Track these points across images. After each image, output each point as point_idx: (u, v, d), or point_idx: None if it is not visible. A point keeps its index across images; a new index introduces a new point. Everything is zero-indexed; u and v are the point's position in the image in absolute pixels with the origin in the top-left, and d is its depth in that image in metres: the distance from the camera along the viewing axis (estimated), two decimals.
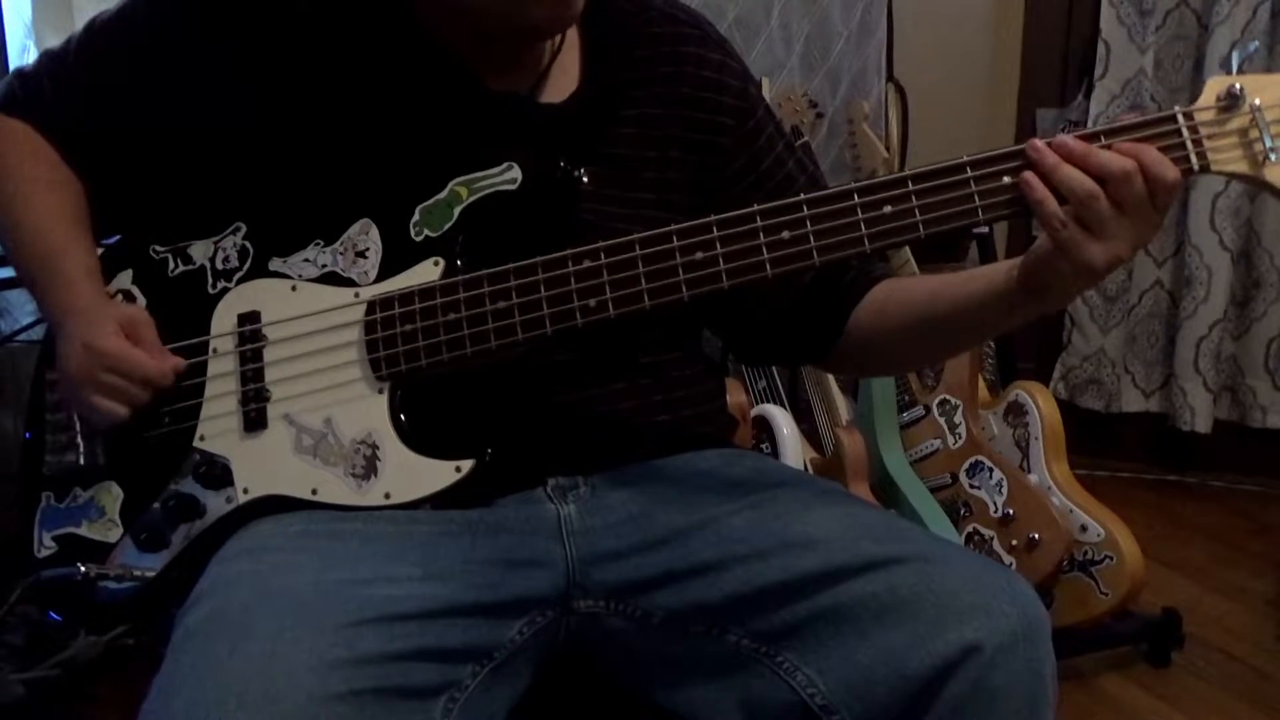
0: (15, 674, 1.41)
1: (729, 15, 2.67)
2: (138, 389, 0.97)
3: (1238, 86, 0.86)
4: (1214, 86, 0.87)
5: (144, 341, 0.99)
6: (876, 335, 1.06)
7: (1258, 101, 0.86)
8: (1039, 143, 0.86)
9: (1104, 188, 0.84)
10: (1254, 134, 0.86)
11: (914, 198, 0.88)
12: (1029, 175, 0.86)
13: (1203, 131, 0.87)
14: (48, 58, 1.10)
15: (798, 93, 2.38)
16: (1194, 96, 2.84)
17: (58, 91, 1.08)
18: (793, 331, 1.11)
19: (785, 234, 0.90)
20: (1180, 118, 0.87)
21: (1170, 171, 0.85)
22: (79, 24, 1.11)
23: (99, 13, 1.09)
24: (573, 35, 1.08)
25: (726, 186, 1.10)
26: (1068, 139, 0.86)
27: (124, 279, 1.06)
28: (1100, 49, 2.82)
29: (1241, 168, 0.87)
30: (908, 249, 2.02)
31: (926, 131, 2.83)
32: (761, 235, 0.90)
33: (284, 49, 1.03)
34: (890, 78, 2.86)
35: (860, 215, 0.89)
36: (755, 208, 0.90)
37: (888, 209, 0.88)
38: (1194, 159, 0.86)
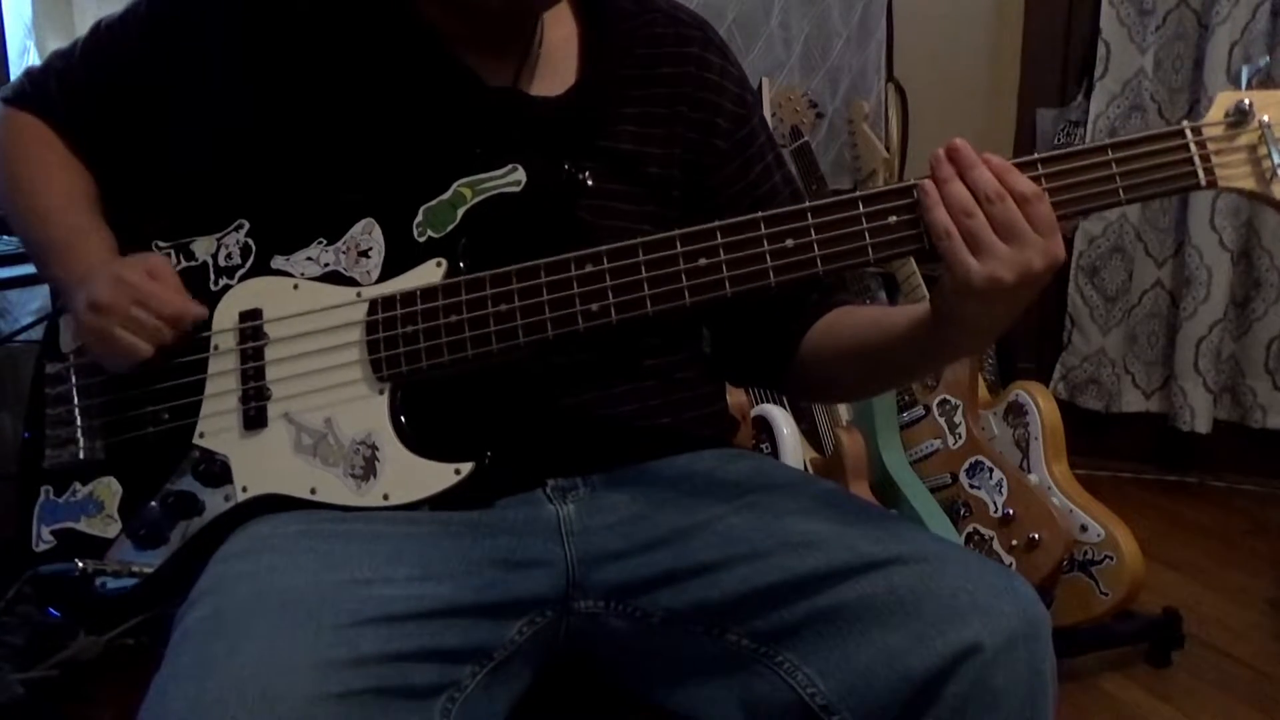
0: (15, 674, 1.41)
1: (729, 15, 2.68)
2: (163, 327, 0.97)
3: (1247, 102, 0.85)
4: (1223, 101, 0.87)
5: (168, 284, 0.99)
6: (820, 360, 1.07)
7: (1266, 118, 0.85)
8: (940, 152, 0.87)
9: (981, 206, 0.85)
10: (1262, 150, 0.85)
11: (919, 208, 0.88)
12: (925, 182, 0.87)
13: (1210, 147, 0.86)
14: (56, 57, 1.13)
15: (798, 93, 2.38)
16: (1194, 96, 2.83)
17: (64, 89, 1.10)
18: (752, 351, 1.11)
19: (789, 242, 0.89)
20: (1188, 133, 0.86)
21: (1024, 183, 0.85)
22: (79, 24, 1.12)
23: (105, 15, 1.11)
24: (572, 31, 1.08)
25: (717, 191, 1.10)
26: (964, 147, 0.87)
27: None
28: (1100, 49, 2.83)
29: (1249, 184, 0.86)
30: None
31: (926, 131, 2.84)
32: (765, 243, 0.90)
33: (285, 46, 1.03)
34: (890, 78, 2.86)
35: (865, 224, 0.88)
36: (759, 214, 0.90)
37: (892, 219, 0.88)
38: (1201, 174, 0.86)
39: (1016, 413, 2.03)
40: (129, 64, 1.07)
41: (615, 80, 1.07)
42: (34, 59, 1.92)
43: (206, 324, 1.01)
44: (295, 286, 1.00)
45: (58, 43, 1.09)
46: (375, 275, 0.98)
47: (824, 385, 1.15)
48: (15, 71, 1.89)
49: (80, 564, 0.99)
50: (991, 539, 1.94)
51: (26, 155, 1.10)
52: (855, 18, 2.86)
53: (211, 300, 1.02)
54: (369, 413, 0.96)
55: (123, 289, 0.97)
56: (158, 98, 1.06)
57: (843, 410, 2.21)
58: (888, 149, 2.51)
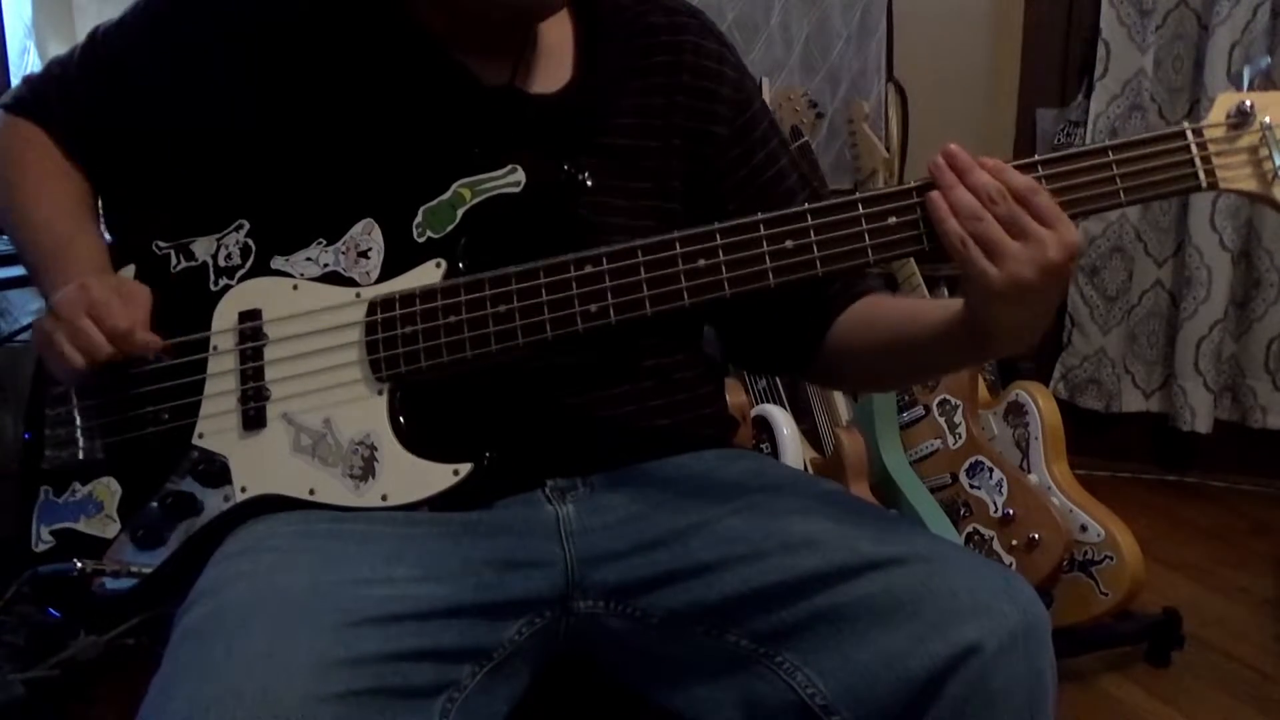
0: (15, 674, 1.41)
1: (729, 15, 2.68)
2: (103, 342, 0.95)
3: (1248, 103, 0.85)
4: (1224, 103, 0.87)
5: (132, 305, 0.98)
6: (856, 350, 1.07)
7: (1268, 119, 0.85)
8: (939, 160, 0.87)
9: (986, 208, 0.84)
10: (1264, 152, 0.85)
11: (919, 209, 0.88)
12: (933, 195, 0.86)
13: (1211, 149, 0.86)
14: (54, 64, 1.14)
15: (798, 93, 2.38)
16: (1194, 97, 2.83)
17: (62, 96, 1.10)
18: (773, 340, 1.11)
19: (789, 243, 0.89)
20: (1189, 134, 0.86)
21: (1018, 179, 0.85)
22: (79, 25, 1.13)
23: (104, 17, 1.11)
24: (567, 26, 1.08)
25: (720, 179, 1.10)
26: (959, 152, 0.86)
27: (126, 274, 1.06)
28: (1100, 49, 2.83)
29: (1250, 186, 0.86)
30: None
31: (926, 131, 2.84)
32: (765, 244, 0.90)
33: (285, 48, 1.03)
34: (890, 78, 2.86)
35: (865, 226, 0.88)
36: (759, 216, 0.90)
37: (892, 220, 0.88)
38: (1202, 176, 0.86)
39: (1016, 413, 2.03)
40: (127, 69, 1.07)
41: (612, 74, 1.07)
42: (34, 59, 1.92)
43: (205, 324, 1.01)
44: (295, 287, 1.00)
45: (58, 43, 1.09)
46: (374, 276, 0.98)
47: (855, 375, 1.15)
48: (15, 71, 1.89)
49: (79, 564, 0.99)
50: (991, 539, 1.94)
51: (23, 163, 1.10)
52: (855, 18, 2.86)
53: (211, 301, 1.02)
54: (368, 413, 0.96)
55: (81, 295, 0.96)
56: (156, 101, 1.06)
57: (843, 410, 2.21)
58: (888, 149, 2.51)
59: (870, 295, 1.09)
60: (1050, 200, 0.85)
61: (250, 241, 1.02)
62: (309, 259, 1.00)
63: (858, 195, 0.89)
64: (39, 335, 0.99)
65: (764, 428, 1.97)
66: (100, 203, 1.12)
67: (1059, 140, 2.90)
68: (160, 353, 0.99)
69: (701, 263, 0.90)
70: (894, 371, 1.10)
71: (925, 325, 0.98)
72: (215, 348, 1.00)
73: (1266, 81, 0.95)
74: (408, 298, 0.96)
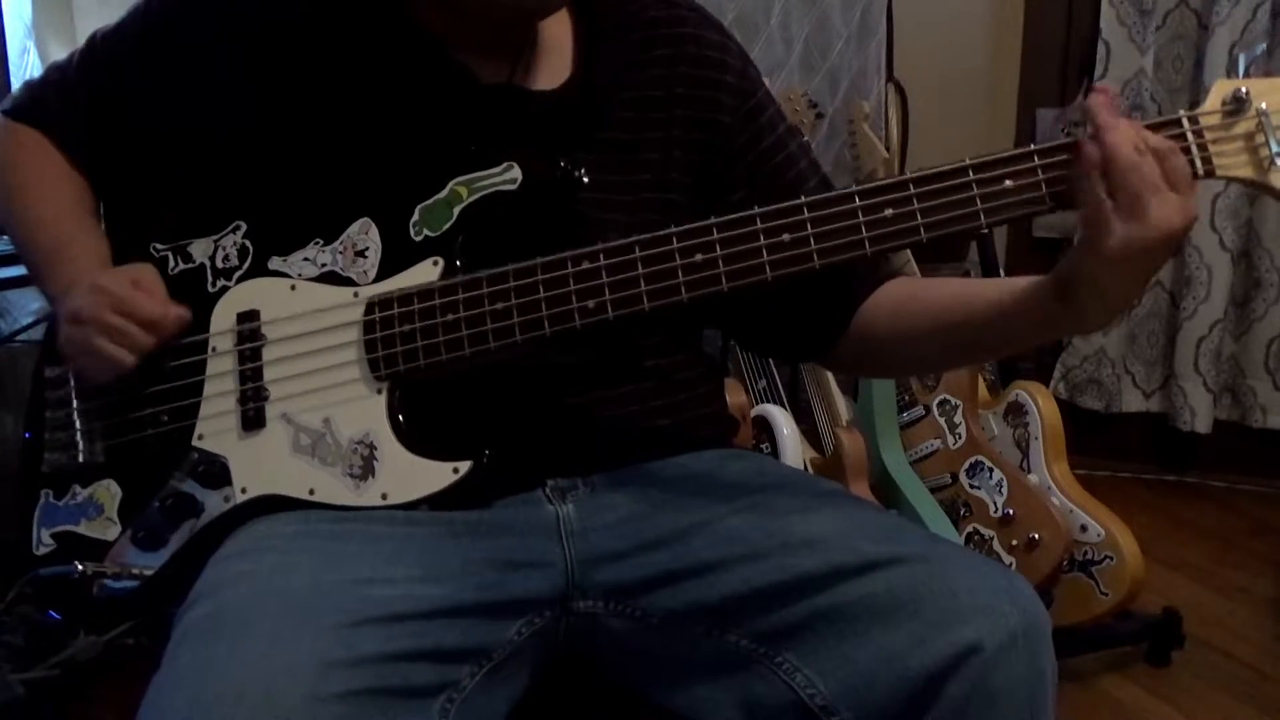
0: (15, 674, 1.41)
1: (729, 15, 2.68)
2: (142, 334, 0.97)
3: (1244, 90, 0.85)
4: (1220, 90, 0.86)
5: (151, 291, 0.99)
6: (891, 335, 1.04)
7: (1264, 105, 0.85)
8: (1100, 98, 0.84)
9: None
10: (1260, 138, 0.85)
11: (915, 201, 0.88)
12: (1087, 143, 0.83)
13: (1208, 135, 0.86)
14: (52, 69, 1.14)
15: (798, 93, 2.37)
16: (1194, 97, 2.84)
17: (61, 100, 1.11)
18: (795, 326, 1.09)
19: (785, 236, 0.89)
20: (1185, 121, 0.86)
21: (1157, 138, 0.83)
22: (79, 25, 1.13)
23: (104, 17, 1.12)
24: (567, 24, 1.08)
25: (729, 165, 1.09)
26: (1110, 95, 0.84)
27: None
28: (1100, 49, 2.83)
29: (1247, 172, 0.86)
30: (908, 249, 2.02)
31: (926, 131, 2.83)
32: (762, 237, 0.90)
33: (283, 49, 1.03)
34: (890, 78, 2.86)
35: (861, 218, 0.88)
36: (755, 210, 0.90)
37: (889, 212, 0.88)
38: (1199, 163, 0.86)
39: (1016, 413, 2.03)
40: (126, 71, 1.07)
41: (612, 69, 1.07)
42: (34, 60, 1.92)
43: (203, 326, 1.01)
44: (292, 287, 1.00)
45: (58, 44, 1.10)
46: (372, 275, 0.98)
47: (890, 360, 1.12)
48: (15, 72, 1.89)
49: (80, 566, 0.99)
50: (991, 539, 1.94)
51: (24, 168, 1.10)
52: (855, 18, 2.86)
53: (209, 302, 1.02)
54: (367, 412, 0.96)
55: (102, 297, 0.97)
56: (156, 102, 1.06)
57: (843, 410, 2.21)
58: (888, 149, 2.50)
59: (899, 279, 1.06)
60: (1186, 165, 0.83)
61: (247, 243, 1.02)
62: (306, 259, 1.00)
63: (854, 189, 0.89)
64: (72, 344, 0.99)
65: (764, 428, 1.97)
66: (101, 205, 1.13)
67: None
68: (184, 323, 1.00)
69: (699, 257, 0.90)
70: (937, 355, 1.07)
71: (986, 303, 0.95)
72: (214, 349, 1.00)
73: (1261, 69, 0.95)
74: (405, 297, 0.96)
